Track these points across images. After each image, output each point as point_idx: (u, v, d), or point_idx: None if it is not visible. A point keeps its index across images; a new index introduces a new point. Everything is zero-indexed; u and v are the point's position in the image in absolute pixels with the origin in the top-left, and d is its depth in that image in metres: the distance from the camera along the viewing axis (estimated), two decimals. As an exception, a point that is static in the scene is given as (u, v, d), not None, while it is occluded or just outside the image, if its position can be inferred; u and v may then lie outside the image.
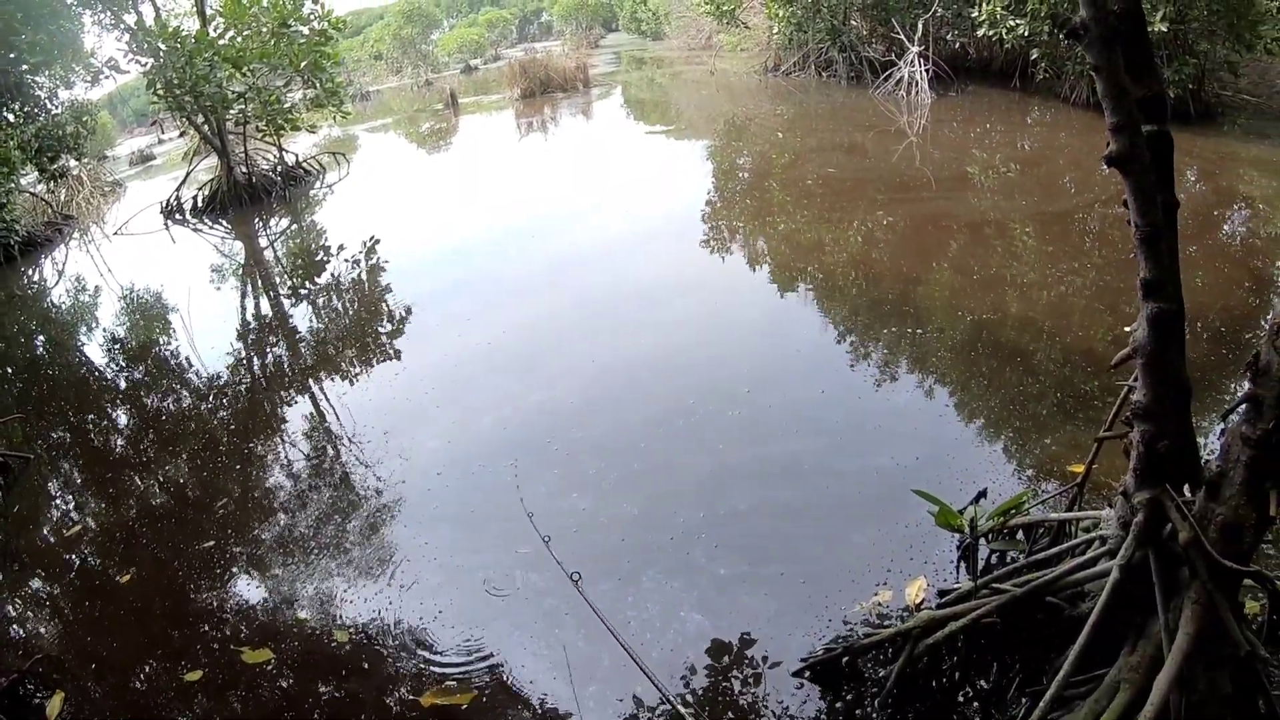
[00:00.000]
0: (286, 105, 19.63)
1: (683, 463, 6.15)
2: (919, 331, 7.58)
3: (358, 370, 9.16)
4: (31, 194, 21.05)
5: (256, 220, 18.85)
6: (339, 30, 20.60)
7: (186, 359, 10.89)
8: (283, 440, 7.94)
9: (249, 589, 5.74)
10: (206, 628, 5.40)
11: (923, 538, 4.85)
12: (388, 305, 11.16)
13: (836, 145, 15.85)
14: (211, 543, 6.30)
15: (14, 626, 6.09)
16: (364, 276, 12.84)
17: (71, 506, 7.74)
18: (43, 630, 6.04)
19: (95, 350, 12.40)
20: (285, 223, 18.59)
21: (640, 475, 6.10)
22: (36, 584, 6.63)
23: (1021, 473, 5.45)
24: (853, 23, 22.39)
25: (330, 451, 7.45)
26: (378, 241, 14.24)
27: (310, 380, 9.23)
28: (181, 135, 21.99)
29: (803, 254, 10.30)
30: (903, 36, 19.44)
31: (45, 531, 7.38)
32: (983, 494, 4.89)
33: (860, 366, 7.28)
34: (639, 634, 4.53)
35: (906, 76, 19.21)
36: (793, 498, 5.60)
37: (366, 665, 4.80)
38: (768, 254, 10.83)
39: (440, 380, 8.35)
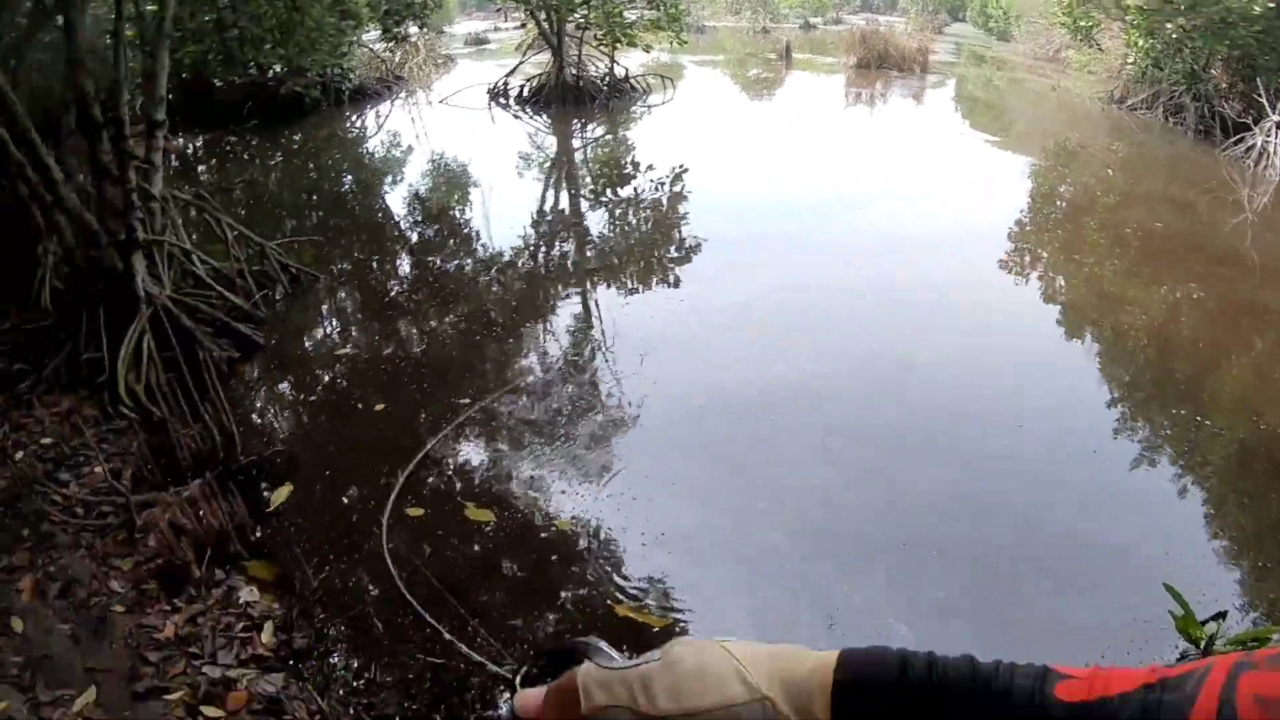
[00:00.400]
0: (628, 21, 20.49)
1: (934, 480, 6.13)
2: (1200, 419, 7.30)
3: (637, 286, 9.65)
4: (371, 50, 22.93)
5: (575, 121, 20.04)
6: (691, -41, 21.09)
7: (477, 232, 11.83)
8: (549, 330, 8.48)
9: (489, 455, 6.22)
10: (440, 474, 5.90)
11: (1146, 636, 4.64)
12: (681, 234, 11.60)
13: (1166, 199, 14.89)
14: (467, 400, 6.79)
15: (261, 418, 6.81)
16: (664, 201, 13.44)
17: (344, 330, 8.59)
18: (287, 428, 6.70)
19: (396, 201, 13.63)
20: (601, 131, 19.67)
21: (892, 482, 6.14)
22: (293, 388, 7.37)
23: (1262, 606, 5.16)
24: (1213, 72, 20.70)
25: (591, 357, 7.88)
26: (685, 170, 14.71)
27: (589, 283, 9.81)
28: (520, 27, 23.30)
29: (1102, 303, 9.99)
30: (1264, 100, 17.82)
31: (315, 345, 8.25)
32: (1222, 615, 4.76)
33: (1126, 437, 7.11)
34: (841, 627, 4.61)
35: (1260, 145, 17.62)
36: (1030, 551, 5.53)
37: (575, 559, 5.08)
38: (1065, 291, 10.61)
39: (718, 322, 8.67)
